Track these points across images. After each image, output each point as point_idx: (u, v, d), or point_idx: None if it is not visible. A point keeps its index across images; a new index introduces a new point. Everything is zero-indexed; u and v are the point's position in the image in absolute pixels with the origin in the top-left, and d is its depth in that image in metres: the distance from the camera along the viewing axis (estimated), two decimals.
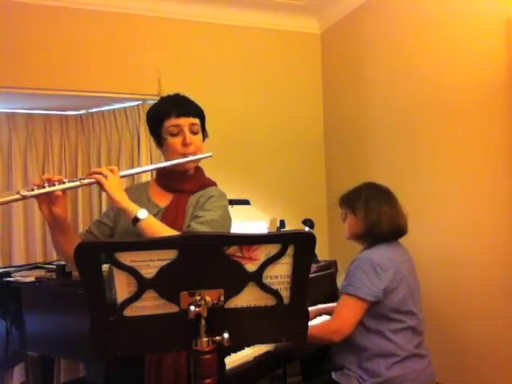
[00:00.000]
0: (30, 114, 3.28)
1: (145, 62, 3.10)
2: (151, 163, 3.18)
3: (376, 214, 1.95)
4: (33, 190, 1.35)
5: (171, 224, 1.47)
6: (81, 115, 3.38)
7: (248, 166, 3.31)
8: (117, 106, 3.28)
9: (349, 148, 3.33)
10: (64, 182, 1.38)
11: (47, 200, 1.39)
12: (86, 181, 1.41)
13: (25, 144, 3.26)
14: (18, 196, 1.32)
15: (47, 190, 1.36)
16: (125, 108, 3.28)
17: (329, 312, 2.17)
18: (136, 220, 1.39)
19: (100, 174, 1.42)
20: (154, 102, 1.70)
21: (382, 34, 2.98)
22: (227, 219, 1.58)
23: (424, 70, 2.64)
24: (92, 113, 3.36)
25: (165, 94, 1.67)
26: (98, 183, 1.41)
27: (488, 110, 2.27)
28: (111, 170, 1.44)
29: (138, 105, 3.21)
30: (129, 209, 1.41)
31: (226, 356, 1.78)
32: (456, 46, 2.44)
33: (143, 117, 3.16)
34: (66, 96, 3.02)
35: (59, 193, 1.38)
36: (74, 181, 1.41)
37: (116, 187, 1.42)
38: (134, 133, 3.26)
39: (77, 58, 2.97)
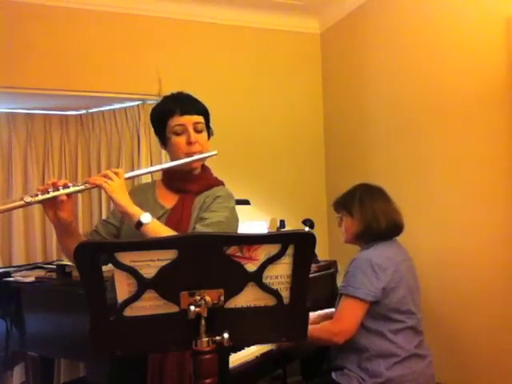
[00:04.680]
0: (29, 113, 3.28)
1: (145, 61, 3.10)
2: (151, 163, 3.18)
3: (372, 211, 1.97)
4: (37, 195, 1.34)
5: (176, 225, 1.46)
6: (81, 115, 3.38)
7: (248, 166, 3.30)
8: (117, 106, 3.28)
9: (349, 148, 3.33)
10: (68, 187, 1.38)
11: (52, 205, 1.39)
12: (89, 185, 1.41)
13: (25, 144, 3.26)
14: (22, 202, 1.32)
15: (51, 195, 1.35)
16: (125, 108, 3.27)
17: (330, 317, 2.14)
18: (139, 224, 1.37)
19: (104, 177, 1.41)
20: (154, 102, 1.70)
21: (382, 33, 2.98)
22: (234, 220, 1.55)
23: (424, 70, 2.64)
24: (92, 113, 3.36)
25: (165, 94, 1.66)
26: (101, 187, 1.40)
27: (488, 109, 2.27)
28: (116, 173, 1.42)
29: (137, 105, 3.20)
30: (132, 213, 1.39)
31: (229, 355, 1.77)
32: (456, 46, 2.44)
33: (143, 117, 3.16)
34: (66, 96, 3.02)
35: (64, 197, 1.37)
36: (78, 185, 1.40)
37: (119, 191, 1.40)
38: (133, 133, 3.26)
39: (77, 58, 2.96)
